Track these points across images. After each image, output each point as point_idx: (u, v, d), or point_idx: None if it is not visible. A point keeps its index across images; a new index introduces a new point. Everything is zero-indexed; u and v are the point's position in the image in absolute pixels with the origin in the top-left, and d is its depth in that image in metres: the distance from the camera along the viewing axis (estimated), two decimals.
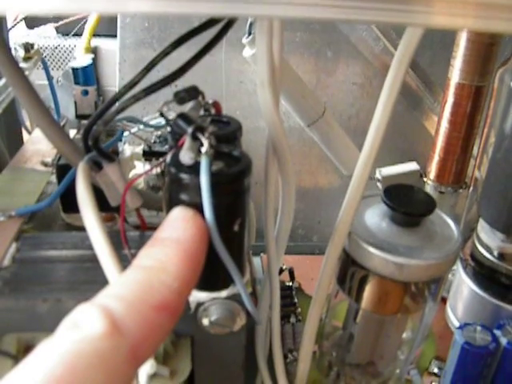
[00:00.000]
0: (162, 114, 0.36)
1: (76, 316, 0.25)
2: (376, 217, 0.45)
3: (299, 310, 0.66)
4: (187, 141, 0.32)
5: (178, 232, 0.30)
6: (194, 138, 0.32)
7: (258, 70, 0.35)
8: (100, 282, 0.34)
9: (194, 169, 0.31)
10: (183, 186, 0.32)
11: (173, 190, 0.33)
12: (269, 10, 0.25)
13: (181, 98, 0.36)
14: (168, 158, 0.33)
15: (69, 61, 1.07)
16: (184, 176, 0.32)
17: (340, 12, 0.26)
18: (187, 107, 0.38)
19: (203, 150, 0.31)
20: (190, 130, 0.32)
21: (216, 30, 0.37)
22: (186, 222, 0.31)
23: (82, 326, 0.24)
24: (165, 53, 0.35)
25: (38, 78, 0.81)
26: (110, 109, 0.36)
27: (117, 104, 0.36)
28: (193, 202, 0.32)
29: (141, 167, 0.59)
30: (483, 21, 0.26)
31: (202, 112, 0.40)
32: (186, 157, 0.32)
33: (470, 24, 0.27)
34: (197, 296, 0.37)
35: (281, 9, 0.25)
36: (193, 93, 0.38)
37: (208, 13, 0.27)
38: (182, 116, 0.34)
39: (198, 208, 0.31)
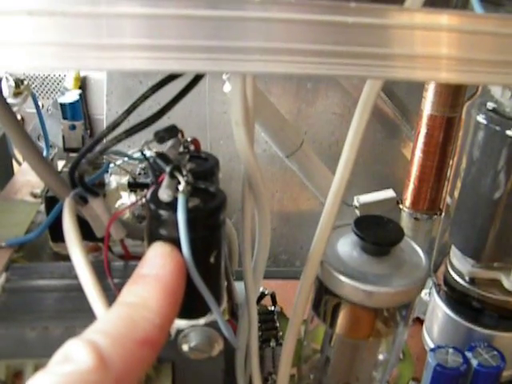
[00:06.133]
0: (142, 154, 0.39)
1: (66, 350, 0.27)
2: (348, 246, 0.47)
3: (280, 333, 0.67)
4: (165, 179, 0.34)
5: (157, 269, 0.32)
6: (172, 176, 0.34)
7: (233, 110, 0.37)
8: (85, 310, 0.36)
9: (172, 205, 0.33)
10: (162, 222, 0.34)
11: (152, 225, 0.35)
12: (243, 67, 0.28)
13: (160, 137, 0.38)
14: (148, 194, 0.35)
15: (59, 90, 1.09)
16: (162, 212, 0.34)
17: (320, 68, 0.28)
18: (167, 145, 0.41)
19: (180, 188, 0.33)
20: (167, 169, 0.34)
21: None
22: (164, 259, 0.33)
23: (72, 360, 0.26)
24: (145, 96, 0.37)
25: (29, 107, 0.83)
26: (94, 148, 0.39)
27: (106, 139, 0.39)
28: (171, 236, 0.33)
29: (126, 197, 0.61)
30: (466, 74, 0.29)
31: (181, 149, 0.43)
32: (164, 194, 0.34)
33: (453, 77, 0.30)
34: (177, 323, 0.39)
35: (254, 66, 0.28)
36: (172, 131, 0.40)
37: (194, 70, 0.29)
38: (160, 155, 0.36)
39: (177, 242, 0.33)
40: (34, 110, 0.76)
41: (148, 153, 0.39)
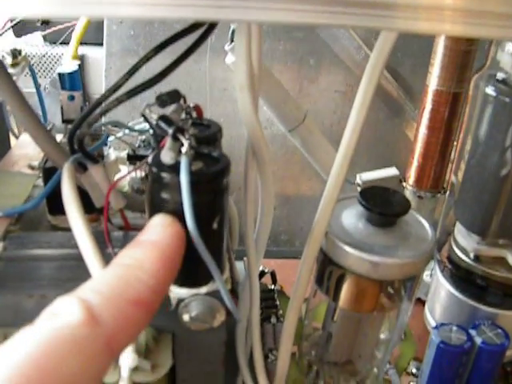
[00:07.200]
0: (144, 116, 0.38)
1: (55, 306, 0.26)
2: (353, 217, 0.47)
3: (281, 311, 0.66)
4: (168, 141, 0.33)
5: (156, 235, 0.32)
6: (175, 138, 0.33)
7: (237, 74, 0.36)
8: (84, 279, 0.35)
9: (175, 168, 0.32)
10: (164, 185, 0.33)
11: (154, 188, 0.34)
12: (249, 14, 0.27)
13: (162, 100, 0.37)
14: (150, 158, 0.34)
15: (56, 68, 1.08)
16: (165, 175, 0.33)
17: (321, 17, 0.27)
18: (169, 110, 0.39)
19: (183, 150, 0.32)
20: (170, 130, 0.33)
21: (197, 36, 0.38)
22: (164, 228, 0.32)
23: (61, 315, 0.26)
24: (147, 57, 0.36)
25: (25, 86, 0.82)
26: (95, 111, 0.38)
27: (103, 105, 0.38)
28: (174, 200, 0.33)
29: (125, 171, 0.60)
30: (471, 27, 0.28)
31: (183, 115, 0.42)
32: (166, 157, 0.33)
33: (457, 29, 0.28)
34: (178, 292, 0.38)
35: (259, 13, 0.27)
36: (174, 96, 0.39)
37: (190, 16, 0.28)
38: (163, 118, 0.35)
39: (179, 206, 0.32)
40: (32, 90, 0.75)
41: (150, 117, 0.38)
